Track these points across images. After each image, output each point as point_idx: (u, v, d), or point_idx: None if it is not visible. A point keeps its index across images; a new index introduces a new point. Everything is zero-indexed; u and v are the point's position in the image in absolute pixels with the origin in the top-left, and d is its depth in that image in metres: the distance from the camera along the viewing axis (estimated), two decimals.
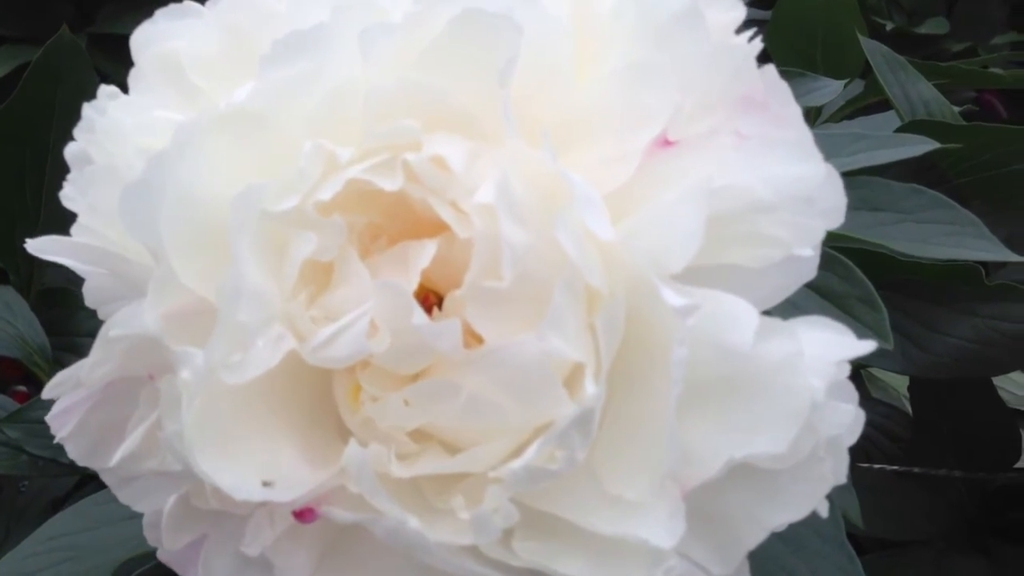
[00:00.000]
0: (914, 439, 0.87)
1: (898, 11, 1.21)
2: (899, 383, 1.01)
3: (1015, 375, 0.98)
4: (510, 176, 0.29)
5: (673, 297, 0.28)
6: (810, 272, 0.34)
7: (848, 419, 0.33)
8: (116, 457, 0.31)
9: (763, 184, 0.31)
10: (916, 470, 0.84)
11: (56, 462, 0.76)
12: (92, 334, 0.32)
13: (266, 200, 0.29)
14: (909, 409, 0.91)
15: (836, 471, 0.33)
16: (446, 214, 0.30)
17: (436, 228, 0.32)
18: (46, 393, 0.35)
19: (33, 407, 0.78)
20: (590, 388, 0.28)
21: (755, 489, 0.32)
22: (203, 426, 0.28)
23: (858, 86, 0.97)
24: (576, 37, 0.32)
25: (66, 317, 0.96)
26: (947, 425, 0.85)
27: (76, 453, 0.35)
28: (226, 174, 0.29)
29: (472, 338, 0.30)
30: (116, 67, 1.10)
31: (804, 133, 0.32)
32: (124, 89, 0.35)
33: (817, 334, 0.33)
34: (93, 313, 0.36)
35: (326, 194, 0.29)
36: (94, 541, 0.63)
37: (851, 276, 0.48)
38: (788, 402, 0.30)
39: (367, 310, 0.29)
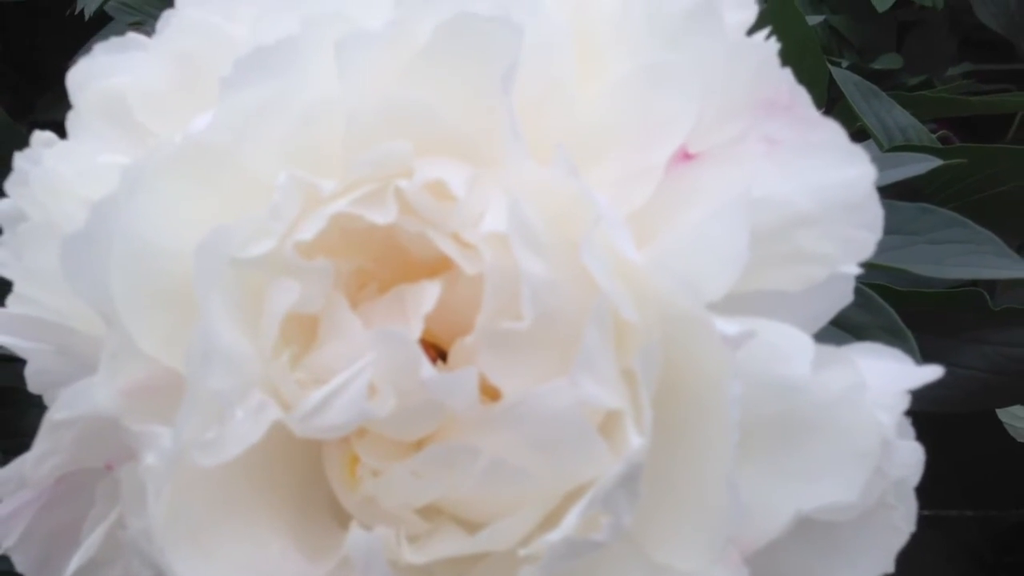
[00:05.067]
0: (921, 479, 0.83)
1: (849, 49, 1.22)
2: None
3: (1015, 407, 0.94)
4: (521, 199, 0.25)
5: (723, 324, 0.24)
6: (848, 295, 0.30)
7: (915, 458, 0.29)
8: (71, 567, 0.26)
9: (803, 194, 0.28)
10: (926, 512, 0.80)
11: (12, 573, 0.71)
12: None
13: (236, 245, 0.24)
14: None
15: (907, 519, 0.29)
16: (449, 248, 0.26)
17: (433, 269, 0.28)
18: None
19: None
20: (634, 439, 0.24)
21: (819, 546, 0.28)
22: (175, 520, 0.23)
23: None
24: (577, 41, 0.28)
25: (16, 417, 0.90)
26: (952, 463, 0.81)
27: (25, 565, 0.30)
28: (186, 217, 0.25)
29: (486, 392, 0.26)
30: None
31: (839, 133, 0.29)
32: None
33: (875, 362, 0.29)
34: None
35: (307, 233, 0.25)
36: None
37: (871, 304, 0.44)
38: (855, 442, 0.27)
39: (364, 366, 0.24)
